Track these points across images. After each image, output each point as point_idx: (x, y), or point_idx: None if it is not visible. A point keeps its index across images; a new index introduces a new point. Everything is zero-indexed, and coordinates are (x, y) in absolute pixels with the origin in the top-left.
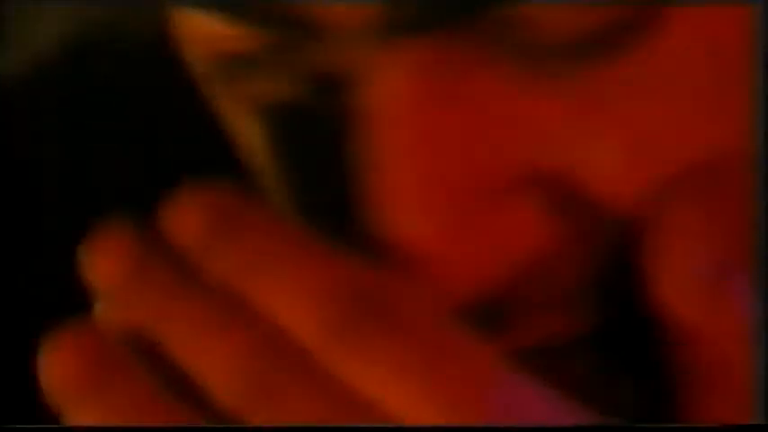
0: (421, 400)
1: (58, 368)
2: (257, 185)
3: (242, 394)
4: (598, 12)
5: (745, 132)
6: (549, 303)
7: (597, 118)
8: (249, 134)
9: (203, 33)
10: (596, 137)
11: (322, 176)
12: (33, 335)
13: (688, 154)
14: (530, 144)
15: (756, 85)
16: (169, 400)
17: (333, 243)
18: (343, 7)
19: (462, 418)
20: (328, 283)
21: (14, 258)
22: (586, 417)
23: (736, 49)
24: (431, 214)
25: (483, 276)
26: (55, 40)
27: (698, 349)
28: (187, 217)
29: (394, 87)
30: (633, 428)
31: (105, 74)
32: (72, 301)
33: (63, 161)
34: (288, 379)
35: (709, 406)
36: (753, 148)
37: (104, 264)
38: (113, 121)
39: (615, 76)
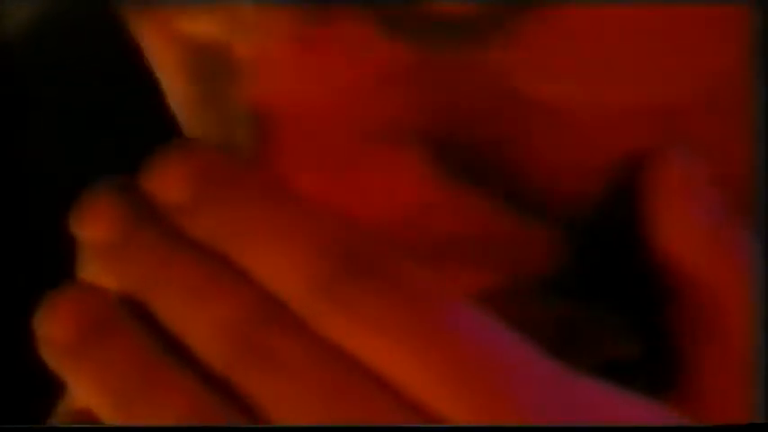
0: (409, 357)
1: (55, 328)
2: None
3: (232, 357)
4: None
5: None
6: (448, 255)
7: (497, 89)
8: (167, 72)
9: None
10: (498, 109)
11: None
12: (29, 300)
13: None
14: (416, 103)
15: (756, 86)
16: (164, 360)
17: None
18: None
19: (451, 375)
20: (316, 242)
21: (7, 226)
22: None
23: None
24: (306, 158)
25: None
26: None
27: (696, 298)
28: (173, 178)
29: (275, 34)
30: (626, 428)
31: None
32: (66, 266)
33: (49, 128)
34: (278, 340)
35: (704, 358)
36: (753, 149)
37: (93, 227)
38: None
39: (506, 54)
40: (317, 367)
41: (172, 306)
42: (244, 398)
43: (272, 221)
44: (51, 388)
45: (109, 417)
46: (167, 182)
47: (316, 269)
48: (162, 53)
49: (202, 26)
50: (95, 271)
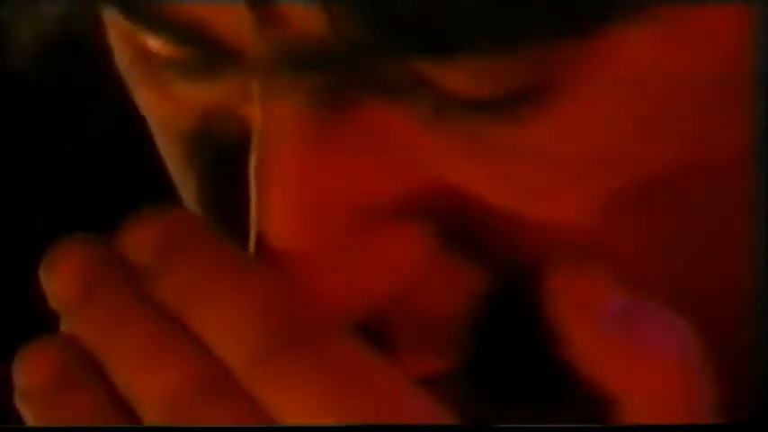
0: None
1: (24, 379)
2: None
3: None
4: (502, 76)
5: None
6: (423, 338)
7: (500, 167)
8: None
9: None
10: (499, 185)
11: (223, 191)
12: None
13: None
14: (420, 178)
15: (756, 86)
16: (115, 415)
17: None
18: (249, 34)
19: None
20: (258, 313)
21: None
22: None
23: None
24: (305, 231)
25: (354, 300)
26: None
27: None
28: (140, 241)
29: (285, 106)
30: (630, 428)
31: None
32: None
33: (27, 176)
34: (211, 413)
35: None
36: (754, 151)
37: (57, 283)
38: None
39: (517, 134)
40: None
41: (120, 370)
42: None
43: (219, 290)
44: None
45: None
46: (135, 244)
47: (255, 341)
48: (163, 118)
49: (209, 92)
50: (63, 325)
